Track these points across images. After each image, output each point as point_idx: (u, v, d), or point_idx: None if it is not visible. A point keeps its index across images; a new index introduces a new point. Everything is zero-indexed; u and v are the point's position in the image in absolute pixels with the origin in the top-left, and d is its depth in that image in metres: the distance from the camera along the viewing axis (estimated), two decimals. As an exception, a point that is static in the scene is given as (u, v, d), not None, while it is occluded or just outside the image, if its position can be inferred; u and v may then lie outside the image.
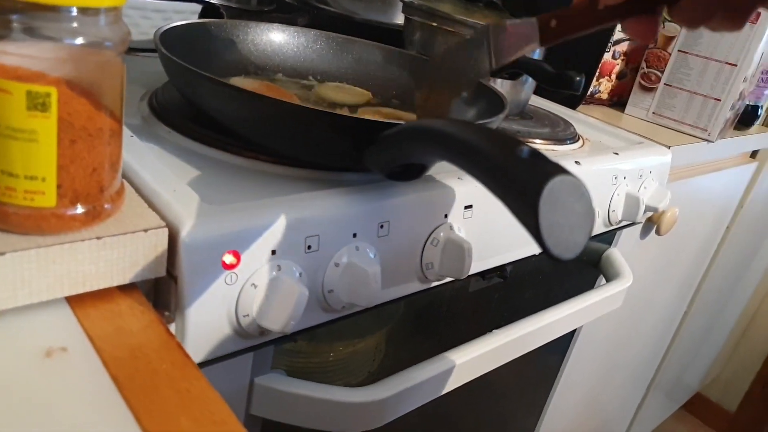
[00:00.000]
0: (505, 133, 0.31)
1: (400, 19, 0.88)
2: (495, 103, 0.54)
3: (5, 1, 0.28)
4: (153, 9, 0.68)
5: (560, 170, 0.27)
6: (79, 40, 0.29)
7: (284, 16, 0.81)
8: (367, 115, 0.59)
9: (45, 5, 0.28)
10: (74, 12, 0.29)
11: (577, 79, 0.55)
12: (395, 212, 0.46)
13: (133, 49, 0.70)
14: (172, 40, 0.53)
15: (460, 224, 0.51)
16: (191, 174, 0.44)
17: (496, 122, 0.50)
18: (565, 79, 0.56)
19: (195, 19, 0.60)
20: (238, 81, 0.60)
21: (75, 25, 0.29)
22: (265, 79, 0.64)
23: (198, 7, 0.72)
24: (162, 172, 0.42)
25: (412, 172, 0.43)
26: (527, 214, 0.26)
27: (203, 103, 0.47)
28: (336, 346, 0.62)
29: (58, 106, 0.30)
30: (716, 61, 0.84)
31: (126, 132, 0.47)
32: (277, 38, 0.66)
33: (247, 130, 0.46)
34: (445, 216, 0.50)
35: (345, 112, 0.59)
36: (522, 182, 0.27)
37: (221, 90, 0.44)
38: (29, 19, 0.28)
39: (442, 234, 0.49)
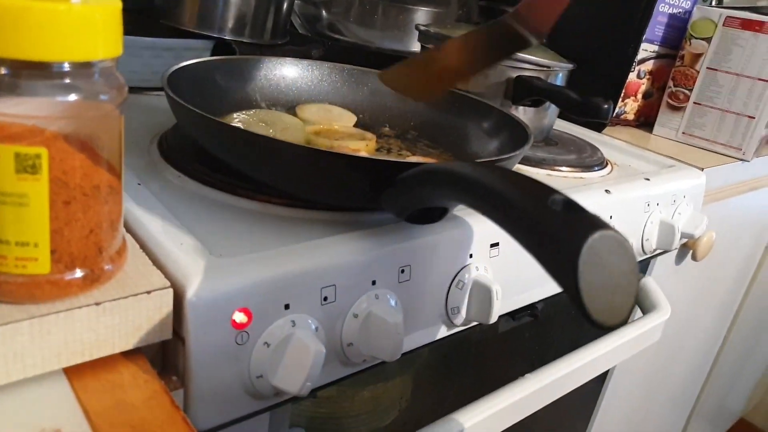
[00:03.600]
0: (535, 180, 0.28)
1: (416, 46, 0.86)
2: (518, 134, 0.51)
3: (-8, 57, 0.26)
4: (164, 48, 0.67)
5: (600, 225, 0.24)
6: (72, 96, 0.28)
7: (298, 49, 0.80)
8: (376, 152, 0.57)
9: (34, 62, 0.26)
10: (66, 67, 0.27)
11: (605, 106, 0.52)
12: (417, 255, 0.43)
13: (146, 89, 0.68)
14: (181, 80, 0.51)
15: (486, 264, 0.48)
16: (201, 223, 0.41)
17: (520, 155, 0.47)
18: (592, 106, 0.52)
19: (205, 57, 0.59)
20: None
21: (67, 81, 0.27)
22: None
23: (210, 44, 0.71)
24: (170, 223, 0.40)
25: (432, 215, 0.40)
26: (566, 276, 0.23)
27: (212, 147, 0.45)
28: (362, 390, 0.60)
29: (50, 165, 0.28)
30: (747, 77, 0.80)
31: (133, 180, 0.46)
32: (290, 73, 0.64)
33: (257, 174, 0.44)
34: (470, 256, 0.47)
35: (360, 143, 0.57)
36: (558, 239, 0.24)
37: (227, 133, 0.42)
38: (18, 77, 0.26)
39: (467, 276, 0.46)
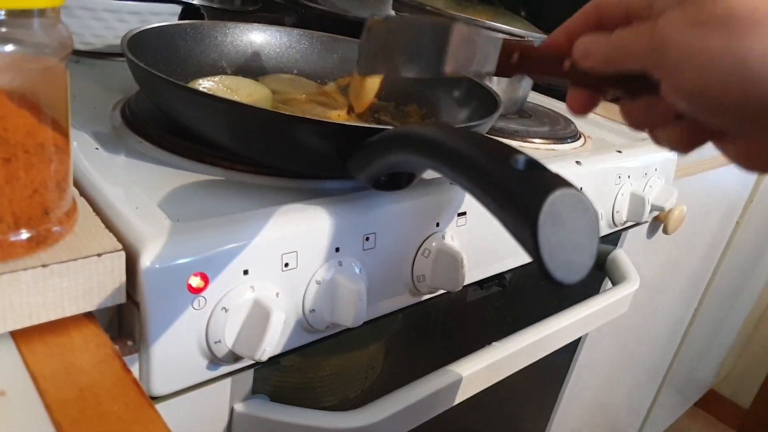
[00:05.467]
0: (498, 141, 0.28)
1: (392, 14, 0.84)
2: (488, 102, 0.50)
3: None
4: (129, 11, 0.65)
5: (561, 183, 0.23)
6: (10, 47, 0.26)
7: (270, 16, 0.78)
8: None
9: (-34, 8, 0.25)
10: (1, 15, 0.25)
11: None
12: (382, 223, 0.43)
13: (109, 54, 0.66)
14: (142, 45, 0.50)
15: (453, 233, 0.47)
16: (161, 188, 0.40)
17: (489, 123, 0.46)
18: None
19: (171, 22, 0.57)
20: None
21: (3, 29, 0.26)
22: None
23: (178, 8, 0.69)
24: (127, 188, 0.39)
25: (400, 181, 0.40)
26: (525, 233, 0.23)
27: (173, 111, 0.44)
28: (330, 359, 0.59)
29: (-11, 121, 0.26)
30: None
31: (92, 144, 0.44)
32: (258, 39, 0.63)
33: (219, 139, 0.43)
34: (437, 224, 0.46)
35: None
36: (518, 197, 0.24)
37: (187, 96, 0.41)
38: (-49, 25, 0.25)
39: (434, 244, 0.46)
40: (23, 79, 0.27)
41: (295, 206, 0.40)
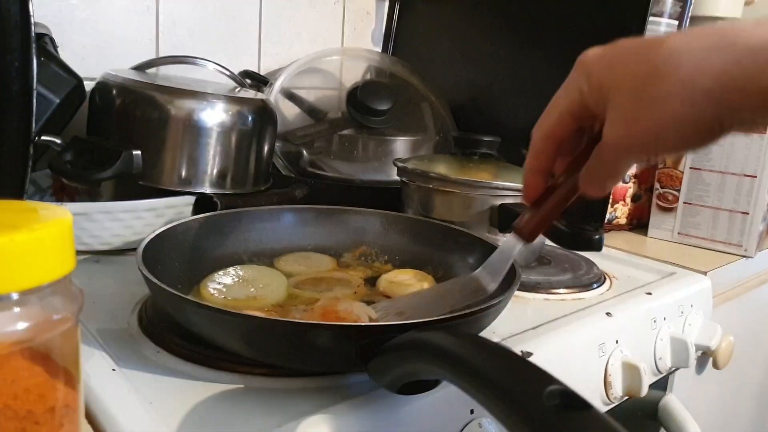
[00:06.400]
0: (531, 365, 0.26)
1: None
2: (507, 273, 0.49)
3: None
4: (145, 209, 0.67)
5: (599, 424, 0.21)
6: (22, 325, 0.26)
7: (282, 192, 0.80)
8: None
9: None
10: (15, 297, 0.25)
11: (596, 237, 0.51)
12: (412, 421, 0.40)
13: (128, 250, 0.68)
14: (158, 248, 0.51)
15: (489, 417, 0.44)
16: (179, 407, 0.39)
17: (509, 297, 0.45)
18: (583, 238, 0.51)
19: (182, 219, 0.59)
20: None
21: (17, 310, 0.25)
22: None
23: (191, 199, 0.71)
24: (145, 416, 0.37)
25: (426, 383, 0.38)
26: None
27: (187, 324, 0.43)
28: None
29: (-4, 395, 0.25)
30: (733, 174, 0.80)
31: (109, 363, 0.43)
32: (269, 222, 0.64)
33: (237, 349, 0.42)
34: (471, 411, 0.44)
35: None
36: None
37: (200, 311, 0.40)
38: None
39: (470, 434, 0.42)
40: (32, 349, 0.27)
41: (314, 419, 0.38)
